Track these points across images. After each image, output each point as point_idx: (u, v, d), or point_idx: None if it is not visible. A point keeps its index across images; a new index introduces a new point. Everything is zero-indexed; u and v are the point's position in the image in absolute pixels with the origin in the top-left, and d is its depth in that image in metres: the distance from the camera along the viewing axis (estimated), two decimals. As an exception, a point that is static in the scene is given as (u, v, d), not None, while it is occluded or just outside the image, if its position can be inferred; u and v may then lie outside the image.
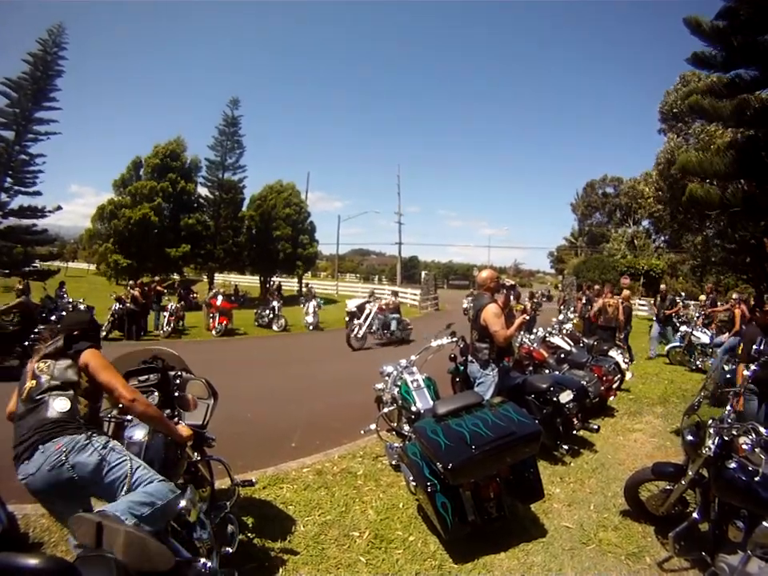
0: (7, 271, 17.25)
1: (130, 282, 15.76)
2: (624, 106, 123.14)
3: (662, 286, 12.96)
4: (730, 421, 3.12)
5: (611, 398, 6.89)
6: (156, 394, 2.86)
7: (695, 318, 11.64)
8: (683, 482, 3.26)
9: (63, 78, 17.85)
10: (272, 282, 21.64)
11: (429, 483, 3.29)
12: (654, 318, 12.58)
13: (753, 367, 4.26)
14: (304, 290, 19.52)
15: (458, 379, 6.41)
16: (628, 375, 7.91)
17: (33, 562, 1.37)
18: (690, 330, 10.61)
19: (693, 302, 16.64)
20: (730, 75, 9.29)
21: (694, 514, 3.14)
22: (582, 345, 8.41)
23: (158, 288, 15.25)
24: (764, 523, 2.45)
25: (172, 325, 14.33)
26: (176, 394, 2.97)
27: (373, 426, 4.91)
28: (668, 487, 3.53)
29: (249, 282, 33.85)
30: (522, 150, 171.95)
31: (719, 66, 9.35)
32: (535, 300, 16.64)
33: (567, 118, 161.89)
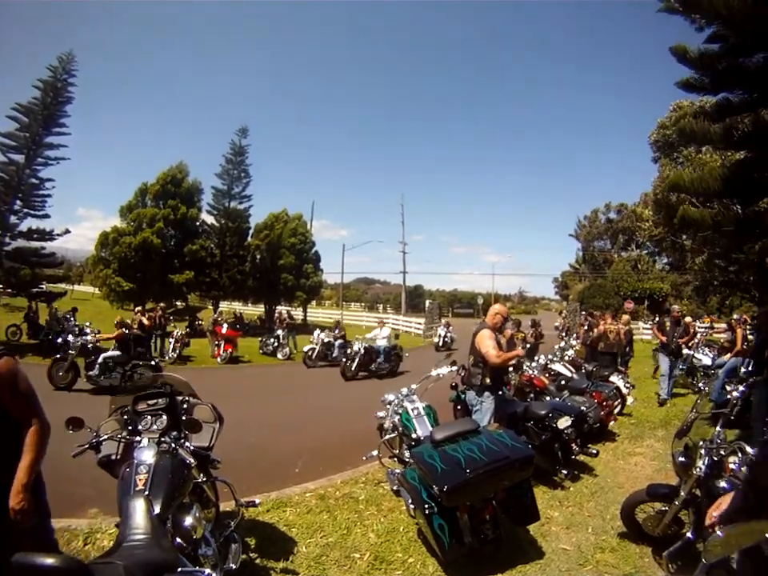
0: (14, 292, 17.56)
1: (137, 308, 15.89)
2: (626, 132, 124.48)
3: (675, 307, 10.69)
4: (719, 441, 3.22)
5: (612, 422, 6.95)
6: (164, 417, 2.97)
7: (697, 340, 11.62)
8: (677, 503, 3.34)
9: (72, 103, 18.46)
10: (278, 311, 21.49)
11: (426, 506, 3.38)
12: (661, 349, 9.87)
13: (741, 388, 4.34)
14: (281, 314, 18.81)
15: (459, 407, 6.53)
16: (629, 400, 7.97)
17: (49, 561, 1.45)
18: (692, 353, 10.64)
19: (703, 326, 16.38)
20: (718, 98, 9.53)
21: (688, 534, 3.21)
22: (583, 371, 8.50)
23: (163, 316, 15.33)
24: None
25: (177, 351, 14.47)
26: (183, 417, 3.08)
27: (375, 453, 4.97)
28: (663, 508, 3.60)
29: (253, 311, 33.99)
30: (524, 176, 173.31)
31: (708, 89, 9.60)
32: (537, 329, 16.74)
33: (569, 145, 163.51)
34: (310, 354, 14.76)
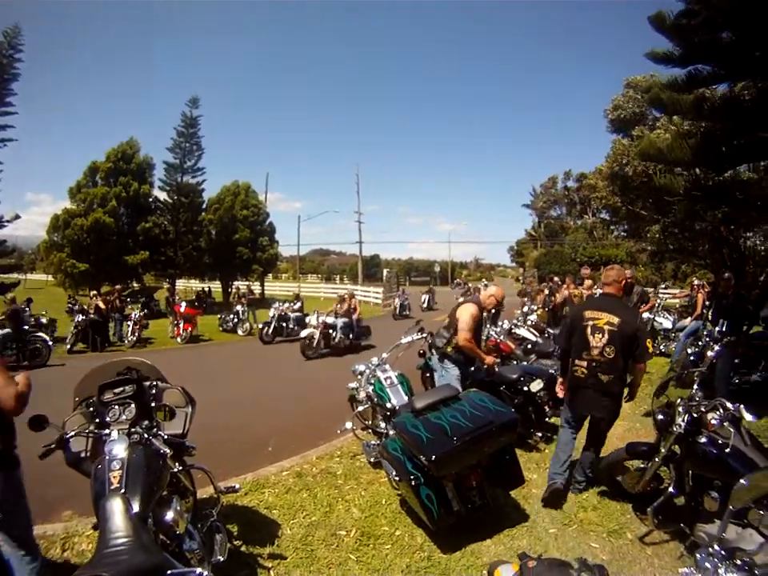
0: None
1: (93, 292, 15.27)
2: (583, 100, 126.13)
3: (627, 272, 9.16)
4: (697, 399, 3.27)
5: (580, 385, 7.05)
6: (133, 405, 2.77)
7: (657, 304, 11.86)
8: (657, 460, 3.40)
9: (19, 81, 17.26)
10: (236, 287, 21.01)
11: (412, 477, 3.31)
12: None
13: (716, 348, 4.44)
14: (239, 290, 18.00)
15: (428, 374, 6.48)
16: (595, 362, 8.11)
17: None
18: (653, 316, 10.92)
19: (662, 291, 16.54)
20: (687, 71, 9.63)
21: (670, 489, 3.27)
22: (547, 335, 8.62)
23: (119, 299, 14.79)
24: (741, 481, 2.58)
25: (137, 334, 13.97)
26: (153, 404, 2.90)
27: (348, 425, 4.81)
28: (642, 466, 3.68)
29: (210, 287, 33.23)
30: (477, 146, 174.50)
31: (677, 62, 9.66)
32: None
33: (524, 111, 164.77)
34: (265, 330, 13.92)
